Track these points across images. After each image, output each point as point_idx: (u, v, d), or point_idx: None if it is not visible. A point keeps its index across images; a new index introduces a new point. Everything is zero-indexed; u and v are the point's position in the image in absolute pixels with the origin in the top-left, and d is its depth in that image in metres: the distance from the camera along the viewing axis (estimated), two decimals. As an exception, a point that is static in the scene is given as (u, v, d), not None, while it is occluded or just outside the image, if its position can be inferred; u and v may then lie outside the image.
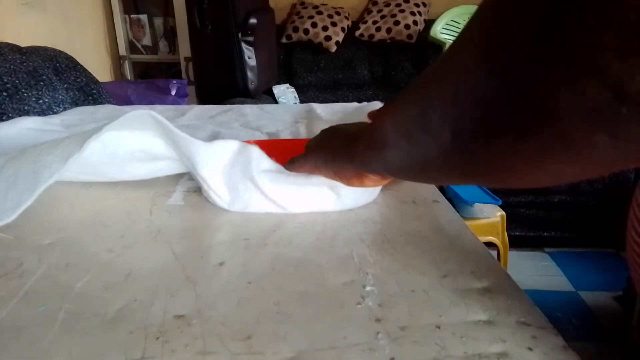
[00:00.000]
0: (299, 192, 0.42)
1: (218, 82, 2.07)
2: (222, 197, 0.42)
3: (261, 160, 0.41)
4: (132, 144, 0.42)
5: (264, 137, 0.68)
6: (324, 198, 0.42)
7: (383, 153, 0.31)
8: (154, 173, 0.46)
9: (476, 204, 1.45)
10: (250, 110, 0.88)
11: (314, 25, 2.51)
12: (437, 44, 2.41)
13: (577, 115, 0.16)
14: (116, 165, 0.44)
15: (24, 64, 0.98)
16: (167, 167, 0.45)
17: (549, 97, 0.16)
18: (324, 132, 0.43)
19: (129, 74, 2.58)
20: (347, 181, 0.39)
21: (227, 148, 0.41)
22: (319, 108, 0.85)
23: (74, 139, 0.40)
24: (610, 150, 0.16)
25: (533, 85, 0.17)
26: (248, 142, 0.43)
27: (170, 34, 2.59)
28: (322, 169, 0.40)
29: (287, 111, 0.88)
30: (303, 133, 0.72)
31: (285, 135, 0.70)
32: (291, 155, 0.44)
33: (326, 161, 0.39)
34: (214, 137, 0.70)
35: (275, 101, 2.20)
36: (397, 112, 0.29)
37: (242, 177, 0.41)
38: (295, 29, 2.53)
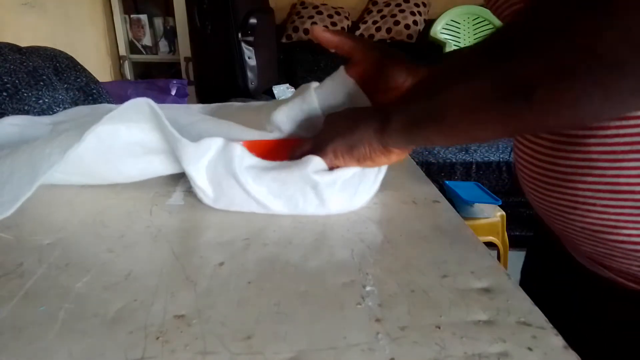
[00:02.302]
0: (282, 192, 0.41)
1: (218, 82, 2.07)
2: (207, 193, 0.42)
3: (243, 158, 0.41)
4: (128, 137, 0.42)
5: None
6: (307, 201, 0.41)
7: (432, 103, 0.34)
8: (147, 174, 0.46)
9: (476, 204, 1.45)
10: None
11: (314, 25, 2.51)
12: (437, 44, 2.41)
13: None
14: (110, 162, 0.44)
15: (24, 64, 0.98)
16: (161, 167, 0.45)
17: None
18: (329, 124, 0.44)
19: (129, 74, 2.59)
20: (373, 162, 0.42)
21: (212, 145, 0.41)
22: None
23: (71, 132, 0.40)
24: None
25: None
26: (244, 143, 0.43)
27: (170, 34, 2.59)
28: (345, 157, 0.42)
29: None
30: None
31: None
32: (284, 154, 0.44)
33: (349, 150, 0.41)
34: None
35: (275, 101, 2.19)
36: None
37: (225, 174, 0.41)
38: (295, 29, 2.53)
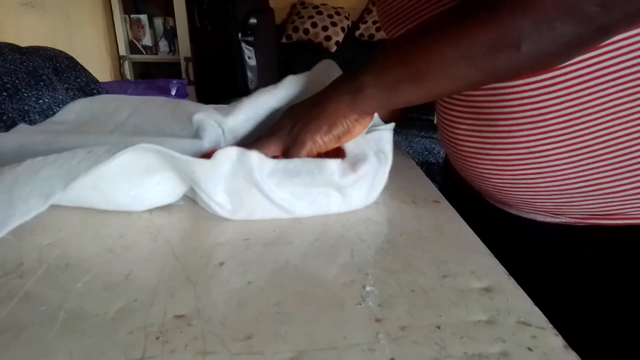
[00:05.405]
0: (306, 195, 0.41)
1: (218, 82, 2.07)
2: (224, 206, 0.41)
3: (262, 165, 0.40)
4: (120, 162, 0.38)
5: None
6: (330, 201, 0.42)
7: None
8: (140, 204, 0.43)
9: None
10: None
11: (314, 25, 2.51)
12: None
13: None
14: (100, 190, 0.41)
15: (24, 64, 0.98)
16: (158, 197, 0.43)
17: None
18: (291, 116, 0.44)
19: (129, 74, 2.59)
20: (351, 134, 0.42)
21: (224, 158, 0.39)
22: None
23: (54, 170, 0.36)
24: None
25: None
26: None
27: (170, 34, 2.59)
28: (325, 140, 0.42)
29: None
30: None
31: None
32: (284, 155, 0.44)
33: (328, 131, 0.41)
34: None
35: (275, 101, 2.19)
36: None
37: (246, 185, 0.40)
38: (295, 29, 2.53)
